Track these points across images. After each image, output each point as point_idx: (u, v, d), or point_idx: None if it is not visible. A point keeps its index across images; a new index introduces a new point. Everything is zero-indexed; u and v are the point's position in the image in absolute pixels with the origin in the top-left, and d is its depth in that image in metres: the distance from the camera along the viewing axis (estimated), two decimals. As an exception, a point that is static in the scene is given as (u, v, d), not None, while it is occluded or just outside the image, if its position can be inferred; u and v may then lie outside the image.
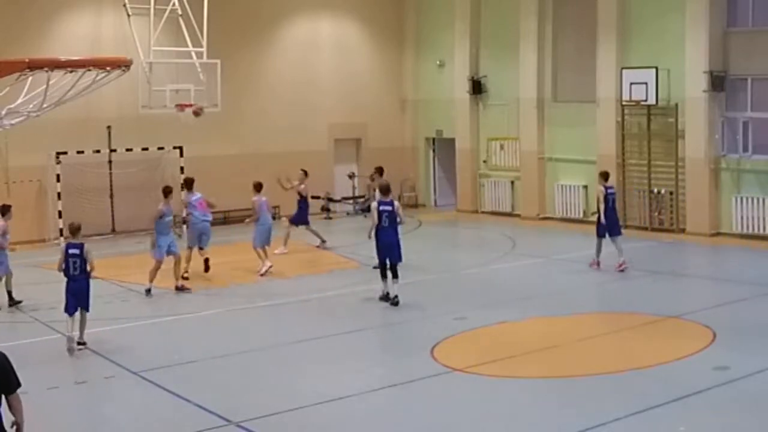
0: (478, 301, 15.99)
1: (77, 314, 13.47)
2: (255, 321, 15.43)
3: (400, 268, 15.84)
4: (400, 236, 16.03)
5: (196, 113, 22.41)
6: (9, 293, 16.40)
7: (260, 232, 18.72)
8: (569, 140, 25.10)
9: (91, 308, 13.66)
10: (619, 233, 18.66)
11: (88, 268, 13.51)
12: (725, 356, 11.89)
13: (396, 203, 16.06)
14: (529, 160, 25.88)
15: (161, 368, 12.27)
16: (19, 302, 16.45)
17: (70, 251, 13.60)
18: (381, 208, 15.76)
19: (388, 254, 15.79)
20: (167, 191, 17.45)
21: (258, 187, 18.99)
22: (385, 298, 15.94)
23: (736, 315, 14.57)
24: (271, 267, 18.56)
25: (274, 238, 19.40)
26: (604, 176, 18.86)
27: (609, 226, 18.37)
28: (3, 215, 16.41)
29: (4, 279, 16.43)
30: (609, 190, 18.65)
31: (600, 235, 18.53)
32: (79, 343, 13.39)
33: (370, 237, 16.15)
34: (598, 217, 18.53)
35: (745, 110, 21.73)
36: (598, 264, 18.49)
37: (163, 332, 14.69)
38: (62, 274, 13.64)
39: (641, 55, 23.08)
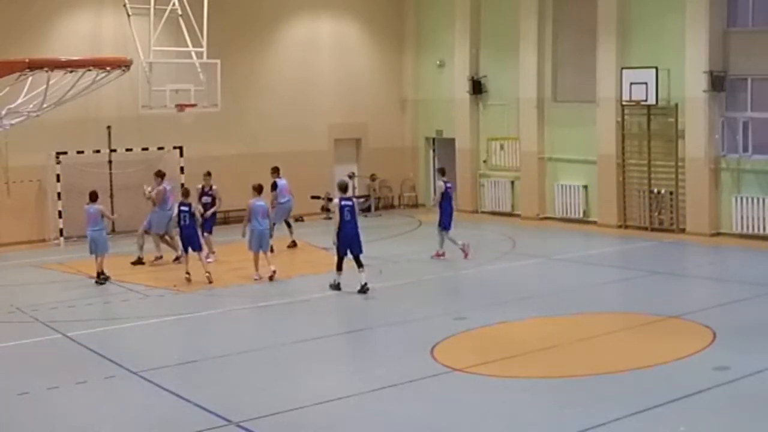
0: (478, 301, 15.99)
1: (192, 253, 18.09)
2: (255, 321, 15.44)
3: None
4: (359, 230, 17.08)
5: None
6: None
7: (252, 236, 18.28)
8: (569, 140, 25.10)
9: (199, 247, 18.20)
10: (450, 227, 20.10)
11: (197, 216, 18.33)
12: (725, 356, 11.88)
13: (354, 199, 17.48)
14: (529, 160, 25.88)
15: (161, 368, 12.27)
16: (160, 257, 19.68)
17: (182, 208, 18.10)
18: (342, 203, 16.78)
19: (351, 246, 16.75)
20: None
21: (258, 190, 18.61)
22: (337, 287, 16.72)
23: (736, 315, 14.55)
24: (260, 278, 18.05)
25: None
26: (442, 172, 20.60)
27: (449, 217, 19.90)
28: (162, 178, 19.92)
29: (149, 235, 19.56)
30: (447, 185, 20.19)
31: (446, 227, 19.85)
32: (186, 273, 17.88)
33: (335, 242, 16.90)
34: (441, 212, 19.90)
35: (745, 110, 21.72)
36: (466, 251, 19.70)
37: (163, 332, 14.68)
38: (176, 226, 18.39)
39: (641, 55, 23.08)
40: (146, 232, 19.99)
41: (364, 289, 16.53)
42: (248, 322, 15.36)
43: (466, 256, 19.67)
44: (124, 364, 12.38)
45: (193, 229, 18.19)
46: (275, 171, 21.86)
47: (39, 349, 13.61)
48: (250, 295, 17.03)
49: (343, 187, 17.43)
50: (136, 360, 12.60)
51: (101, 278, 17.89)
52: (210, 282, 17.69)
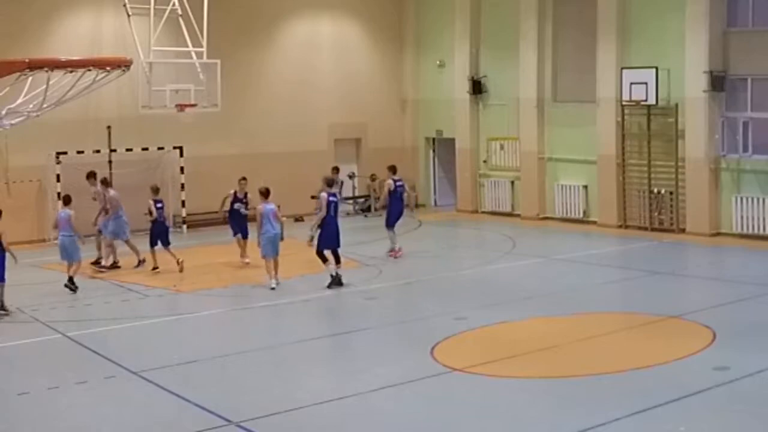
0: (478, 301, 15.99)
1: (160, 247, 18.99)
2: (255, 321, 15.43)
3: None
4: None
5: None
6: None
7: (264, 241, 17.30)
8: (569, 140, 25.10)
9: (169, 243, 19.25)
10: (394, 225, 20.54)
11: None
12: (725, 356, 11.88)
13: (337, 195, 18.06)
14: (529, 160, 25.87)
15: (161, 368, 12.27)
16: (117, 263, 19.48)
17: (158, 205, 19.25)
18: (330, 199, 17.25)
19: (335, 240, 17.18)
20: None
21: (265, 194, 17.56)
22: (338, 280, 16.93)
23: (736, 315, 14.56)
24: (276, 283, 17.37)
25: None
26: (393, 170, 20.78)
27: (397, 216, 20.22)
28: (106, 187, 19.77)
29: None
30: (398, 183, 20.40)
31: (391, 225, 20.16)
32: (154, 268, 18.90)
33: (313, 229, 17.54)
34: (389, 210, 20.22)
35: (745, 110, 21.71)
36: (399, 250, 20.01)
37: (163, 332, 14.67)
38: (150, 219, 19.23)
39: (641, 55, 23.07)
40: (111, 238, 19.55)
41: (338, 281, 16.91)
42: (248, 322, 15.35)
43: (394, 254, 19.95)
44: (124, 364, 12.38)
45: (165, 225, 19.58)
46: (336, 170, 22.93)
47: (39, 349, 13.61)
48: (250, 295, 17.02)
49: (331, 183, 17.77)
50: (136, 360, 12.60)
51: (71, 285, 17.17)
52: (181, 270, 18.61)
